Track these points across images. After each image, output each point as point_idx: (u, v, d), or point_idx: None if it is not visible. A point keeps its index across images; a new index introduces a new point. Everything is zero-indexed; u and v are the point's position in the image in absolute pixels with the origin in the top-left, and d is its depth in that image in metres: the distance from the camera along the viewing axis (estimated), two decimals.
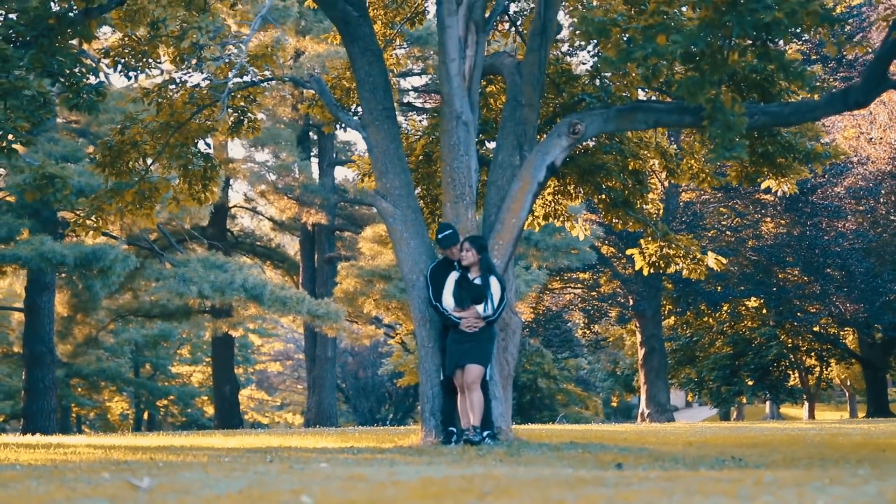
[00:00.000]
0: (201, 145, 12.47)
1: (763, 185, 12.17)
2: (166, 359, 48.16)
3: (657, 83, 10.43)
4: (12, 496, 4.46)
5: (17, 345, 36.06)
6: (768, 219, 32.05)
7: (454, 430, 9.50)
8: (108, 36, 23.28)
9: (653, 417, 30.97)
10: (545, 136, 10.61)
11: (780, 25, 8.12)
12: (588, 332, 37.69)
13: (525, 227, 10.89)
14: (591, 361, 46.89)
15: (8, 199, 24.14)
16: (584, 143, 11.91)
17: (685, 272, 13.23)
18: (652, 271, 13.44)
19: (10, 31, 9.91)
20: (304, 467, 6.07)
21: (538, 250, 27.67)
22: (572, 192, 12.82)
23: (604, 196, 12.67)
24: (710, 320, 35.28)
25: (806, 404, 38.89)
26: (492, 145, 12.34)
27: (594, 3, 12.12)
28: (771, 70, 9.64)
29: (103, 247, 22.34)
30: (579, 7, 12.21)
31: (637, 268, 13.49)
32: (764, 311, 33.49)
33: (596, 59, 12.43)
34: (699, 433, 14.06)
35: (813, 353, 36.04)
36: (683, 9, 9.61)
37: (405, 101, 31.12)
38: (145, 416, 50.28)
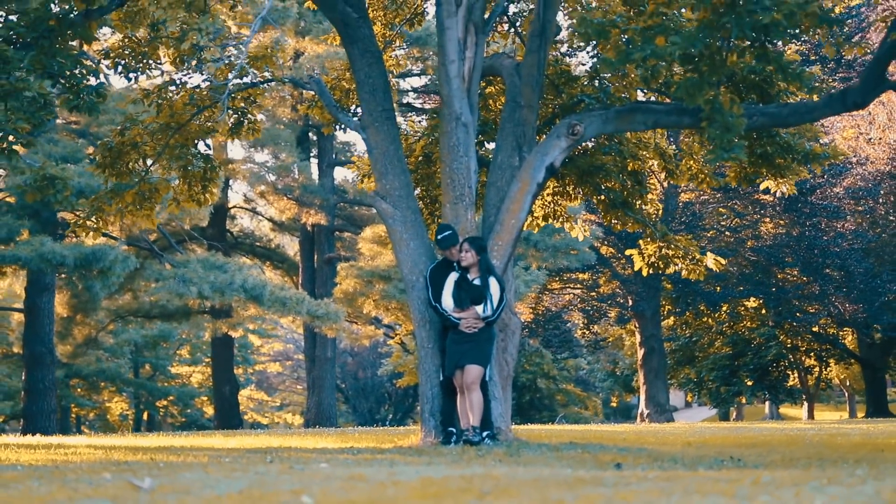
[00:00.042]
0: (201, 146, 12.49)
1: (762, 186, 12.19)
2: (166, 359, 48.18)
3: (656, 84, 10.46)
4: (14, 497, 4.48)
5: (16, 345, 36.07)
6: (767, 219, 32.07)
7: (454, 430, 9.52)
8: (107, 37, 23.29)
9: (652, 418, 30.98)
10: (544, 137, 10.63)
11: (779, 27, 8.15)
12: (587, 332, 37.69)
13: (524, 228, 10.92)
14: (591, 362, 46.90)
15: (8, 199, 24.16)
16: (584, 144, 11.93)
17: (684, 273, 13.25)
18: (651, 272, 13.46)
19: (11, 33, 9.93)
20: (304, 468, 6.09)
21: (537, 251, 27.69)
22: (571, 192, 12.84)
23: (603, 197, 12.69)
24: (710, 321, 35.30)
25: (805, 404, 38.90)
26: (491, 146, 12.36)
27: (593, 5, 12.15)
28: (769, 71, 9.66)
29: (103, 247, 22.36)
30: (578, 8, 12.24)
31: (636, 268, 13.51)
32: (763, 311, 33.51)
33: (595, 60, 12.45)
34: (698, 433, 14.08)
35: (812, 354, 36.07)
36: (682, 10, 9.63)
37: (404, 101, 31.13)
38: (145, 416, 50.30)
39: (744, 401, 40.29)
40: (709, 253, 13.26)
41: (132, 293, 30.31)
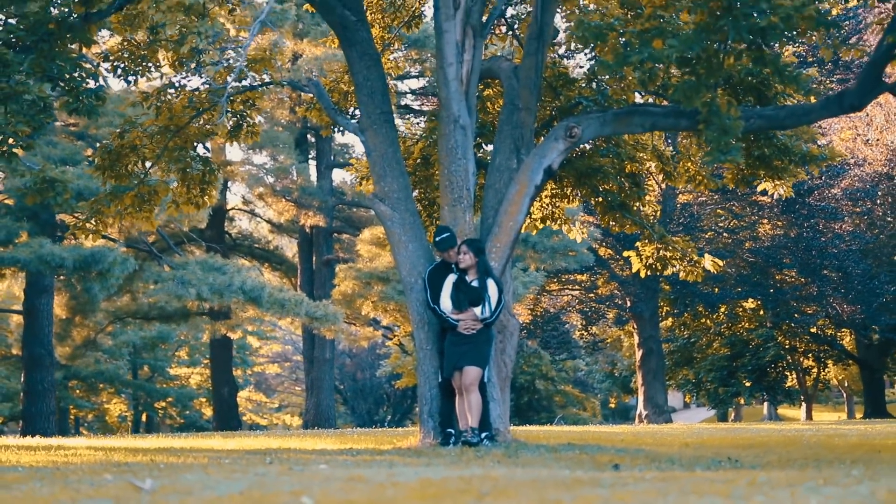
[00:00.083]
0: (200, 149, 12.51)
1: (759, 188, 12.22)
2: (164, 361, 48.16)
3: (653, 87, 10.49)
4: (17, 498, 4.51)
5: (15, 347, 36.05)
6: (765, 220, 32.09)
7: (452, 431, 9.54)
8: (106, 40, 23.30)
9: (650, 419, 31.00)
10: (542, 139, 10.66)
11: (776, 29, 8.19)
12: (586, 333, 37.69)
13: (523, 230, 10.95)
14: (589, 363, 46.91)
15: (7, 202, 24.17)
16: (581, 147, 11.96)
17: (682, 274, 13.27)
18: (649, 273, 13.49)
19: (11, 36, 9.96)
20: (303, 469, 6.12)
21: (536, 252, 27.70)
22: (569, 194, 12.87)
23: (601, 199, 12.72)
24: (708, 322, 35.32)
25: (803, 405, 38.92)
26: (489, 149, 12.38)
27: (591, 8, 12.19)
28: (766, 73, 9.71)
29: (102, 249, 22.37)
30: (576, 11, 12.27)
31: (634, 270, 13.54)
32: (761, 312, 33.53)
33: (593, 62, 12.48)
34: (696, 434, 14.11)
35: (810, 355, 36.08)
36: (679, 13, 9.67)
37: (402, 103, 31.14)
38: (143, 417, 50.28)
39: (742, 402, 40.29)
40: (707, 254, 13.29)
41: (131, 295, 30.31)
